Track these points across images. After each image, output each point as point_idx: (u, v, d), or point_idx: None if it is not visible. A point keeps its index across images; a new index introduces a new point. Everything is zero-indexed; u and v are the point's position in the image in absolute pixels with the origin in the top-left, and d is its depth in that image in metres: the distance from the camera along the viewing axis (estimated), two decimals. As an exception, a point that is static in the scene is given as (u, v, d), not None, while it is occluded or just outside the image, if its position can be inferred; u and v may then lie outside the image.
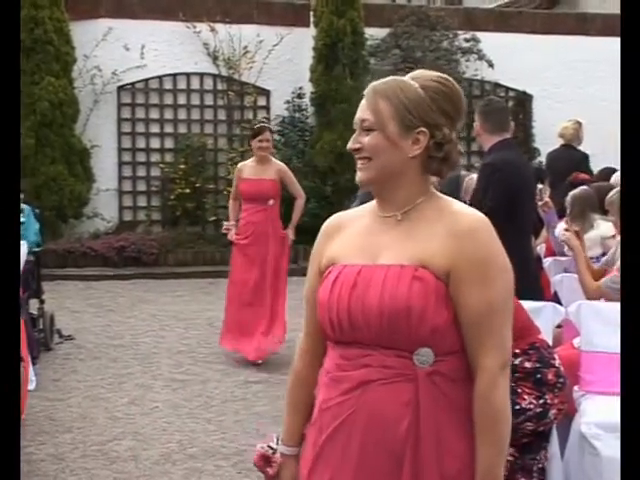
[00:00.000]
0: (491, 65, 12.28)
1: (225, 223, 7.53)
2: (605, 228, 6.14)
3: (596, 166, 9.53)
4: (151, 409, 5.93)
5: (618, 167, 8.65)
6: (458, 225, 2.10)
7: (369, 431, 2.08)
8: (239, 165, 7.50)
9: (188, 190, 12.08)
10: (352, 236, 2.22)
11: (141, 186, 12.57)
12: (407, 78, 2.17)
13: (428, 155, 2.14)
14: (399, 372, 2.07)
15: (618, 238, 4.99)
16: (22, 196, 7.62)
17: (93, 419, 5.72)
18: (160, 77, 12.41)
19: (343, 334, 2.14)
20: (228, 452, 5.14)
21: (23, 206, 7.46)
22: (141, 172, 12.55)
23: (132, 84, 12.34)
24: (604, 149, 10.54)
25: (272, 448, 2.34)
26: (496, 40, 12.66)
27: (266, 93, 12.67)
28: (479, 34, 12.71)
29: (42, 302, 7.62)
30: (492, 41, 12.59)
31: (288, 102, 12.53)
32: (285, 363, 7.15)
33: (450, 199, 2.21)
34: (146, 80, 12.38)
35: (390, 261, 2.11)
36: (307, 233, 12.17)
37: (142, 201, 12.58)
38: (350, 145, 2.20)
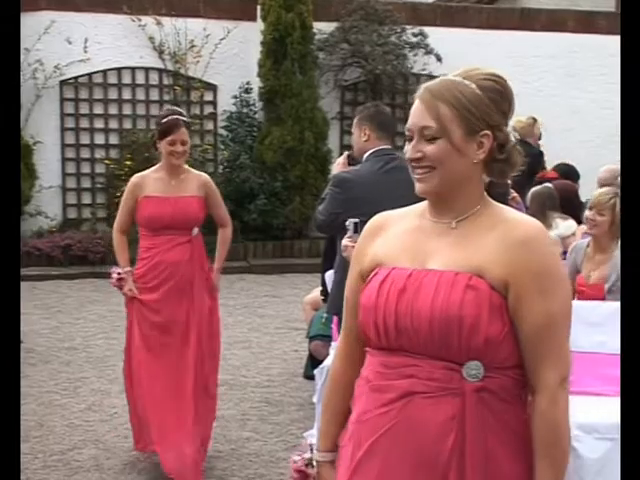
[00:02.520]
0: (439, 59, 12.26)
1: (116, 270, 4.89)
2: (564, 227, 6.14)
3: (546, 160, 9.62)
4: (110, 415, 5.75)
5: (568, 161, 8.72)
6: (515, 234, 2.00)
7: (411, 446, 1.98)
8: (134, 178, 4.98)
9: (134, 187, 11.80)
10: (398, 237, 2.12)
11: (85, 183, 12.26)
12: (459, 78, 2.05)
13: (492, 158, 2.05)
14: (445, 386, 1.98)
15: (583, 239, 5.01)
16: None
17: (50, 427, 5.52)
18: (104, 71, 12.09)
19: (388, 340, 2.04)
20: (195, 459, 4.99)
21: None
22: (85, 169, 12.23)
23: (75, 78, 12.01)
24: (551, 143, 10.63)
25: (308, 460, 2.28)
26: (443, 35, 12.65)
27: (213, 88, 12.45)
28: (426, 29, 12.67)
29: (-10, 305, 7.36)
30: (439, 36, 12.57)
31: (236, 97, 12.33)
32: (245, 364, 7.03)
33: (503, 206, 2.12)
34: (90, 74, 12.05)
35: (441, 267, 2.01)
36: (256, 230, 12.19)
37: (87, 198, 12.27)
38: (411, 155, 2.06)
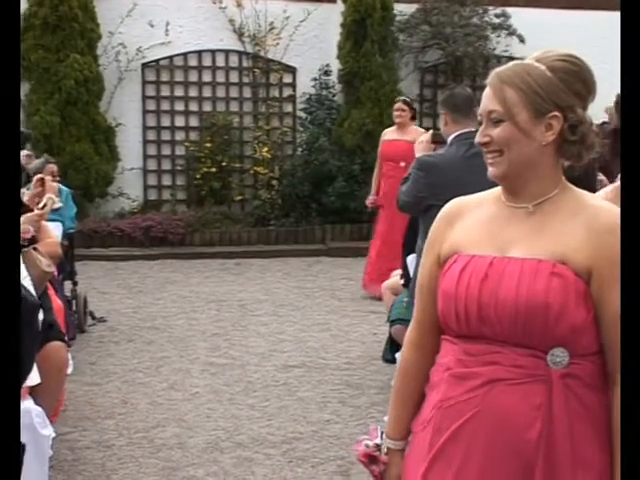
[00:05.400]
0: (522, 41, 12.03)
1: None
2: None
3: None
4: (192, 394, 5.82)
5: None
6: (599, 220, 1.98)
7: (496, 433, 1.96)
8: None
9: (214, 169, 11.91)
10: (476, 224, 2.10)
11: (166, 165, 12.41)
12: (531, 61, 2.04)
13: (563, 140, 2.02)
14: (531, 372, 1.96)
15: None
16: (59, 178, 7.55)
17: (134, 405, 5.61)
18: (185, 54, 12.20)
19: (469, 327, 2.02)
20: (276, 440, 5.01)
21: (61, 188, 7.36)
22: (166, 151, 12.38)
23: (156, 61, 12.15)
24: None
25: (378, 445, 2.24)
26: (526, 16, 12.40)
27: (292, 70, 12.46)
28: (509, 9, 12.45)
29: (75, 284, 7.52)
30: (522, 17, 12.34)
31: (315, 79, 12.31)
32: (324, 347, 7.03)
33: (582, 191, 2.09)
34: (171, 57, 12.18)
35: (523, 254, 1.99)
36: (334, 213, 12.16)
37: (167, 180, 12.43)
38: (479, 139, 2.07)
